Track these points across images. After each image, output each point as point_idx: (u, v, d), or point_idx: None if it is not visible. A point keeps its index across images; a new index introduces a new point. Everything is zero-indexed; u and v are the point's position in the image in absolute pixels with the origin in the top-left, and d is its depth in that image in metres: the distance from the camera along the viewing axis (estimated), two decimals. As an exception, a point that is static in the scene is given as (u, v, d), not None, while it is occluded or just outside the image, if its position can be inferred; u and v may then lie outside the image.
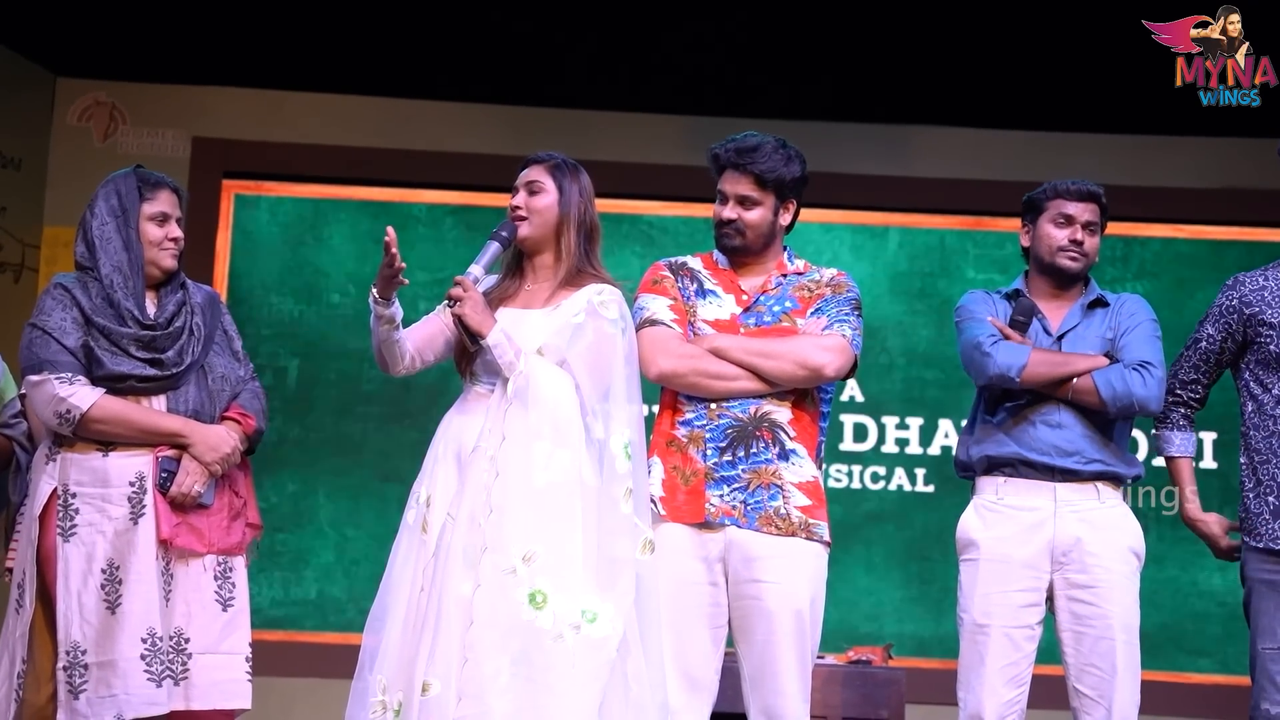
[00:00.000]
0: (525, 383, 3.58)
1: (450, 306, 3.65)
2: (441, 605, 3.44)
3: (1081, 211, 4.06)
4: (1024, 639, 3.95)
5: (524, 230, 3.76)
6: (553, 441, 3.55)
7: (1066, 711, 4.00)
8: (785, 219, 3.93)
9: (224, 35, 6.93)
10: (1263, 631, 3.87)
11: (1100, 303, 4.11)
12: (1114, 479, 3.99)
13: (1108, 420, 3.99)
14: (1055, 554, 3.94)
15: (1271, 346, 3.92)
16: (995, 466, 4.01)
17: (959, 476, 4.17)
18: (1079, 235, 4.05)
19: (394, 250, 3.62)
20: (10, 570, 3.86)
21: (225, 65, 7.04)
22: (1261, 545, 3.90)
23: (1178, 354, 4.17)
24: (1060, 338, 4.06)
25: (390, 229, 3.64)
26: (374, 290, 3.68)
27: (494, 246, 3.73)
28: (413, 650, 3.48)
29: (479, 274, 3.69)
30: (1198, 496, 4.15)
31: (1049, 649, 4.02)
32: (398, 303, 3.72)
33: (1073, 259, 4.06)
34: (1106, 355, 3.99)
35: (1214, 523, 4.12)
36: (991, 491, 4.02)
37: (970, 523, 4.04)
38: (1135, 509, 4.12)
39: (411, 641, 3.49)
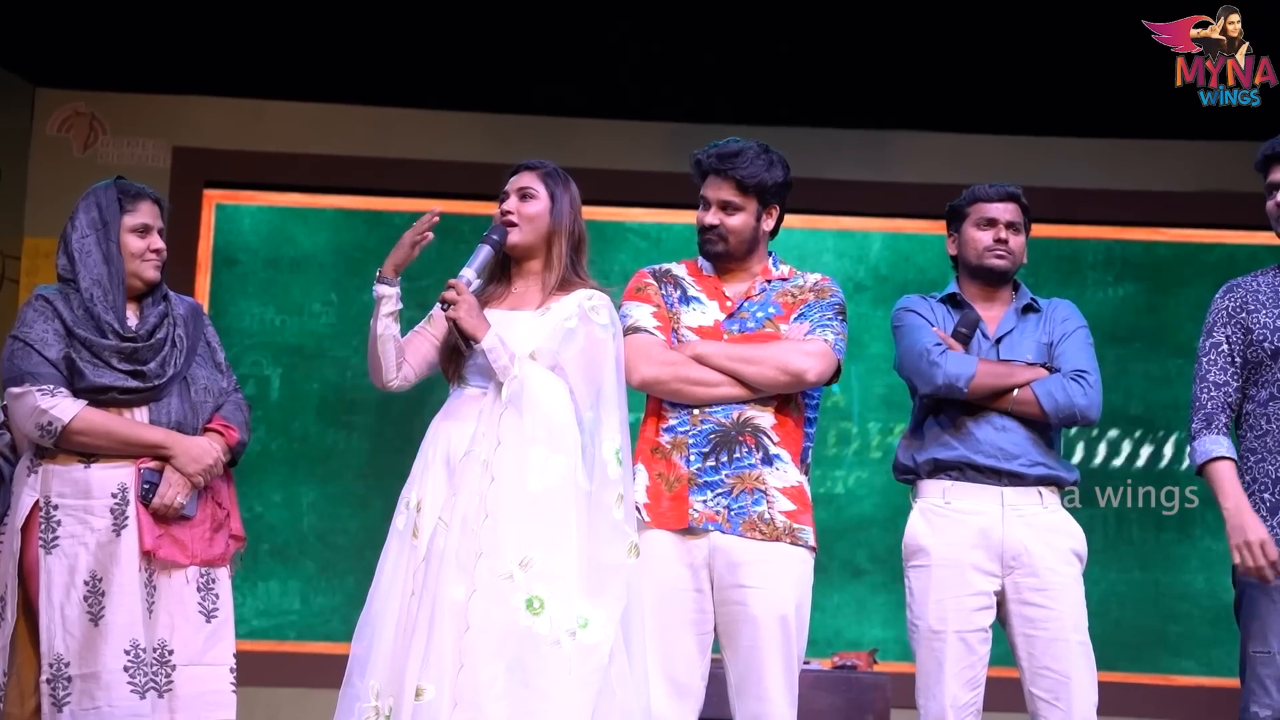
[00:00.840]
0: (520, 387, 3.57)
1: (444, 309, 3.65)
2: (434, 610, 3.43)
3: (1003, 212, 4.11)
4: (978, 642, 3.95)
5: (514, 236, 3.76)
6: (548, 446, 3.55)
7: (1024, 714, 3.99)
8: (768, 224, 3.92)
9: (203, 44, 6.90)
10: (1253, 635, 3.86)
11: (1032, 308, 4.14)
12: (1056, 483, 4.01)
13: (1047, 427, 4.02)
14: (1005, 558, 3.94)
15: (1266, 345, 3.93)
16: (941, 469, 4.01)
17: (898, 480, 4.15)
18: (1003, 234, 4.09)
19: (427, 229, 3.72)
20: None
21: (205, 74, 7.02)
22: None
23: (1196, 373, 3.98)
24: (998, 341, 4.08)
25: (437, 208, 3.76)
26: (380, 272, 3.71)
27: (485, 250, 3.73)
28: (404, 655, 3.46)
29: (471, 277, 3.69)
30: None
31: (1007, 653, 4.01)
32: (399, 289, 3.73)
33: (999, 258, 4.09)
34: (1045, 366, 4.01)
35: (1260, 534, 3.77)
36: (938, 495, 4.01)
37: (918, 529, 4.03)
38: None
39: (403, 647, 3.48)
